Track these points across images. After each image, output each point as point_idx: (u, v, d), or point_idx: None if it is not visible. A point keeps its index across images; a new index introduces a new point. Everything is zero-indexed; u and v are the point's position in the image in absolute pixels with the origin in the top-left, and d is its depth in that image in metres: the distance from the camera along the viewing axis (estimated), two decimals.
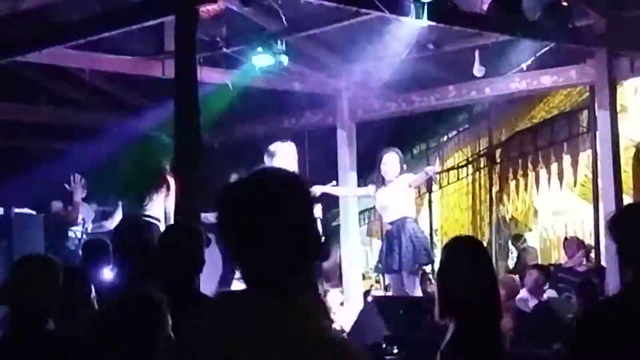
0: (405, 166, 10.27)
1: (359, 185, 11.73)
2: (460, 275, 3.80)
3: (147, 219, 8.41)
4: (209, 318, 2.39)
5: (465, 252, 3.92)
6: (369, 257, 15.59)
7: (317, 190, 10.07)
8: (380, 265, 10.44)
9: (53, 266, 4.50)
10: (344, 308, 10.84)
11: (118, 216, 10.15)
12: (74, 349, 4.12)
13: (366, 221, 15.12)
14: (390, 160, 10.13)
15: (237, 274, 9.45)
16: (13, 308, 4.42)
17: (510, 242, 14.78)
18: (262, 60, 9.93)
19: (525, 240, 14.60)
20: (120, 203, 8.93)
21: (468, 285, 3.77)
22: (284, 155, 9.47)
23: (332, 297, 10.86)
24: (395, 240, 9.97)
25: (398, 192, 10.05)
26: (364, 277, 13.12)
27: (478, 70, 10.33)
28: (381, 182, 10.20)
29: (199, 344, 2.36)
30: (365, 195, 11.00)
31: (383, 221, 10.75)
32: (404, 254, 9.86)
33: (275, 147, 9.52)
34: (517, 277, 11.07)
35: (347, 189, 11.28)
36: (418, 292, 9.89)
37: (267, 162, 9.53)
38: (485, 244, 13.88)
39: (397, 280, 10.05)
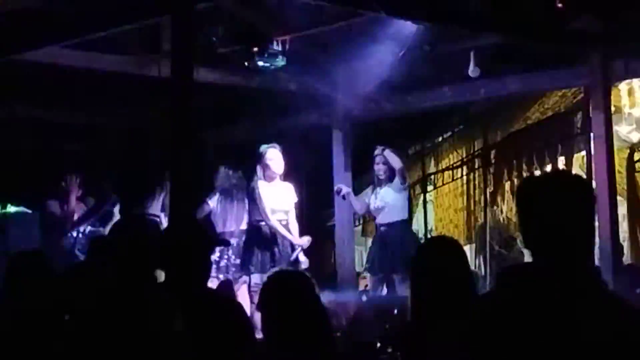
0: (397, 165, 10.30)
1: (353, 186, 11.82)
2: (427, 275, 3.83)
3: (149, 217, 8.50)
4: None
5: (433, 253, 3.95)
6: (364, 257, 15.59)
7: (344, 189, 10.29)
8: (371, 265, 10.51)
9: (45, 260, 4.54)
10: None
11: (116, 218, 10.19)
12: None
13: (361, 221, 15.14)
14: (379, 160, 10.29)
15: None
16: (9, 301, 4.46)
17: (499, 246, 14.71)
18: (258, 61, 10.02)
19: (515, 245, 14.48)
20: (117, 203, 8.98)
21: (435, 284, 3.78)
22: (272, 158, 9.74)
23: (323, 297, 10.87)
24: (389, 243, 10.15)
25: (394, 194, 10.15)
26: (358, 277, 13.13)
27: (473, 71, 10.36)
28: (375, 182, 10.33)
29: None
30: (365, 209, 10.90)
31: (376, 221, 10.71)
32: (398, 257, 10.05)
33: (263, 149, 9.79)
34: None
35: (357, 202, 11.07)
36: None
37: (257, 163, 9.73)
38: (478, 244, 13.98)
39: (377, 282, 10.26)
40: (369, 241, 14.95)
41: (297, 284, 3.90)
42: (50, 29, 9.55)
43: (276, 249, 9.66)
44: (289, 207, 9.92)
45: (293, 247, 9.81)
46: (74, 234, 10.15)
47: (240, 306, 4.84)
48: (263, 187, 9.77)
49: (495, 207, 14.05)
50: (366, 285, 12.87)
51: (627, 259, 11.72)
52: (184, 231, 4.93)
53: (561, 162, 12.81)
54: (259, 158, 9.90)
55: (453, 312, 3.65)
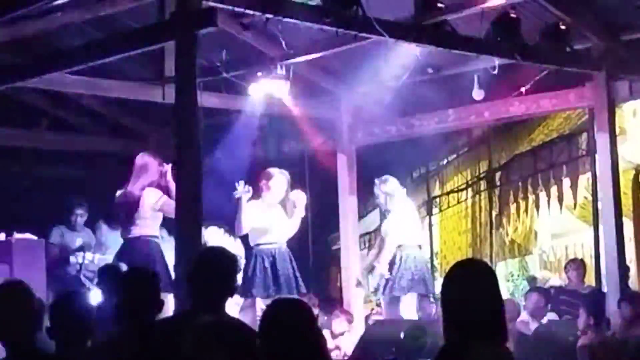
0: (395, 193, 10.32)
1: (359, 209, 11.85)
2: (463, 299, 3.75)
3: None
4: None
5: (467, 276, 3.87)
6: (370, 280, 15.51)
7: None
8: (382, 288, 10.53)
9: (23, 290, 4.50)
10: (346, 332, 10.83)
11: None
12: None
13: (367, 245, 15.09)
14: (376, 190, 10.37)
15: None
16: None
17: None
18: (262, 85, 10.04)
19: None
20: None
21: (471, 308, 3.72)
22: (278, 184, 9.63)
23: (337, 324, 10.80)
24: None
25: (400, 219, 10.16)
26: (365, 301, 13.08)
27: (477, 93, 10.36)
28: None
29: None
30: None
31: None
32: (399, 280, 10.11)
33: (273, 173, 9.67)
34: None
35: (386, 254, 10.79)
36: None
37: (264, 186, 9.63)
38: None
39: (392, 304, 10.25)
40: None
41: (294, 313, 3.91)
42: (54, 55, 9.58)
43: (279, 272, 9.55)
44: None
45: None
46: (80, 260, 10.12)
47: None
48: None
49: (501, 230, 14.04)
50: (372, 309, 12.85)
51: (633, 281, 11.67)
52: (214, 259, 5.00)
53: (566, 184, 12.80)
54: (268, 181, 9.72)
55: (486, 334, 3.67)
